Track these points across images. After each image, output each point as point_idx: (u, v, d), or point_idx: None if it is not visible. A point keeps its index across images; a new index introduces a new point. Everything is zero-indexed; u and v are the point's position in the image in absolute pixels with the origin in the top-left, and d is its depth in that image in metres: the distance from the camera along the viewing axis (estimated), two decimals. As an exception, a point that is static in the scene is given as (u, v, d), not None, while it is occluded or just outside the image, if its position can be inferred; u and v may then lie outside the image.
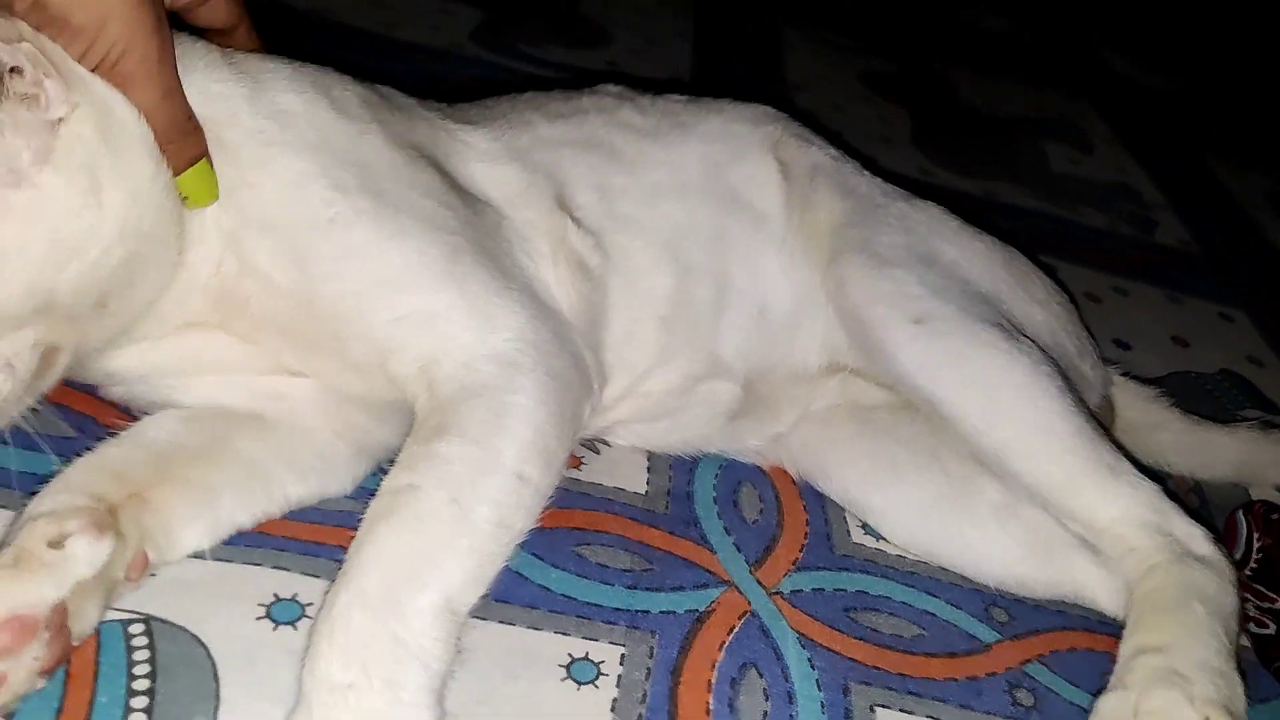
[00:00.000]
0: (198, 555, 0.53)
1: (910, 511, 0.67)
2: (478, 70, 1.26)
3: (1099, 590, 0.65)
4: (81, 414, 0.58)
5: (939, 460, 0.67)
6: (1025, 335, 0.66)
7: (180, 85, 0.50)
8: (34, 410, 0.48)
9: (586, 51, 1.41)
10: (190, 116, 0.51)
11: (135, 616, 0.49)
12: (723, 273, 0.67)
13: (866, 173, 0.76)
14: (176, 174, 0.50)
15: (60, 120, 0.45)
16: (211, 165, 0.52)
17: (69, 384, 0.57)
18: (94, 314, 0.49)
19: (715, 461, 0.72)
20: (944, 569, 0.67)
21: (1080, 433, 0.61)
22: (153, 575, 0.51)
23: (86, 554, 0.45)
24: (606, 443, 0.70)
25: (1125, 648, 0.57)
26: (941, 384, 0.63)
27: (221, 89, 0.53)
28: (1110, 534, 0.61)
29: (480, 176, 0.63)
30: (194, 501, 0.52)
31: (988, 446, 0.62)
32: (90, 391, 0.59)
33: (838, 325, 0.68)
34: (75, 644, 0.46)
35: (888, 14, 1.97)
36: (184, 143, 0.50)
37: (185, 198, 0.51)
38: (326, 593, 0.46)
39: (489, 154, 0.64)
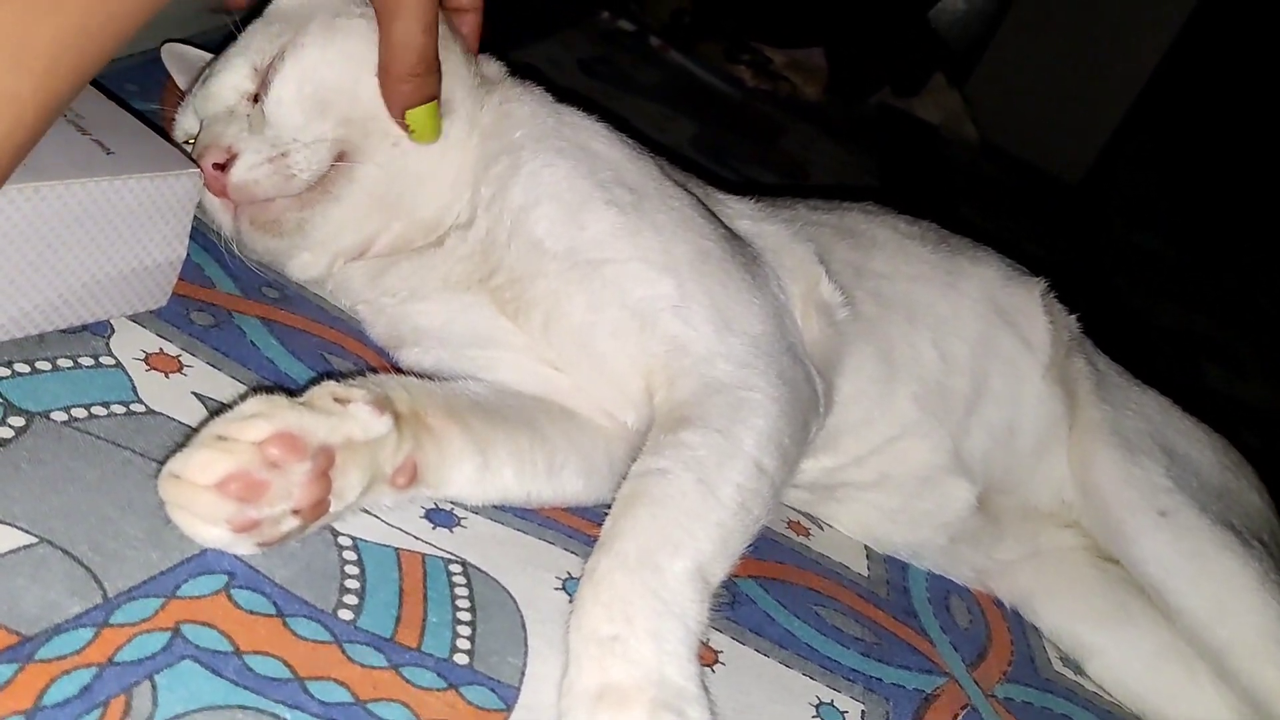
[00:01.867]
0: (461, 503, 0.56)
1: (1133, 655, 0.69)
2: (699, 172, 1.35)
3: None
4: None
5: (1165, 619, 0.68)
6: (1250, 530, 0.69)
7: (436, 24, 0.58)
8: None
9: (787, 179, 1.51)
10: (436, 57, 0.59)
11: (454, 558, 0.53)
12: (982, 375, 0.71)
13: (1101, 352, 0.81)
14: (412, 107, 0.59)
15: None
16: (439, 110, 0.60)
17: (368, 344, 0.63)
18: (380, 139, 0.60)
19: (923, 569, 0.75)
20: (1138, 717, 0.69)
21: None
22: (463, 527, 0.56)
23: (365, 418, 0.48)
24: (828, 525, 0.74)
25: None
26: (1175, 576, 0.66)
27: (542, 101, 0.66)
28: None
29: (745, 229, 0.69)
30: (471, 441, 0.54)
31: (1210, 642, 0.64)
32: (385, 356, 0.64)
33: (1071, 483, 0.72)
34: (332, 508, 0.47)
35: (1050, 211, 2.05)
36: (427, 79, 0.59)
37: (412, 131, 0.60)
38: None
39: (753, 216, 0.71)
